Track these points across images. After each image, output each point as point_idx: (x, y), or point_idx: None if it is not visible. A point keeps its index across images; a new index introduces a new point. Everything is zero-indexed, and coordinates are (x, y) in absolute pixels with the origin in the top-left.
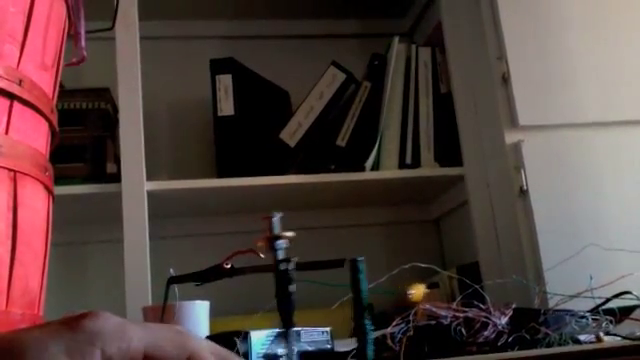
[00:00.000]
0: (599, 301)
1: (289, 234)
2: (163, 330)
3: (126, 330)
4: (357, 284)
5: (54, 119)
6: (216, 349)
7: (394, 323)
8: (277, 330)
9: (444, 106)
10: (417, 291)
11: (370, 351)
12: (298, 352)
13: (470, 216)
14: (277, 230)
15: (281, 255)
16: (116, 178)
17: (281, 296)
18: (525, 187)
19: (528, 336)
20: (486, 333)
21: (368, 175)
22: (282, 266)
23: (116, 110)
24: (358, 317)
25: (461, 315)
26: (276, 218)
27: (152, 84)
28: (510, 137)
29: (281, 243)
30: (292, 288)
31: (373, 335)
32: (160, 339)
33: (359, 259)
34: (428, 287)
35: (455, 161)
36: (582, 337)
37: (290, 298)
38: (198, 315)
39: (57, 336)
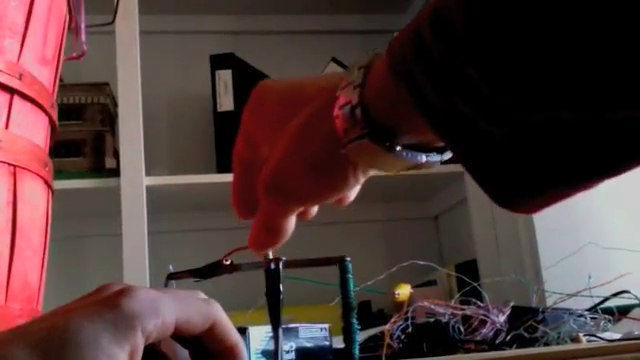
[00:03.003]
0: (597, 300)
1: None
2: (191, 300)
3: (159, 305)
4: (345, 284)
5: (54, 114)
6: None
7: (392, 320)
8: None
9: None
10: (403, 291)
11: (356, 350)
12: (296, 349)
13: (469, 214)
14: None
15: (270, 254)
16: (115, 173)
17: (270, 295)
18: None
19: (526, 334)
20: (484, 331)
21: None
22: (271, 265)
23: (115, 105)
24: (346, 317)
25: (459, 313)
26: None
27: (152, 79)
28: None
29: None
30: (280, 287)
31: (359, 335)
32: (189, 310)
33: (347, 259)
34: (426, 285)
35: (455, 158)
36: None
37: (279, 297)
38: None
39: (102, 320)
